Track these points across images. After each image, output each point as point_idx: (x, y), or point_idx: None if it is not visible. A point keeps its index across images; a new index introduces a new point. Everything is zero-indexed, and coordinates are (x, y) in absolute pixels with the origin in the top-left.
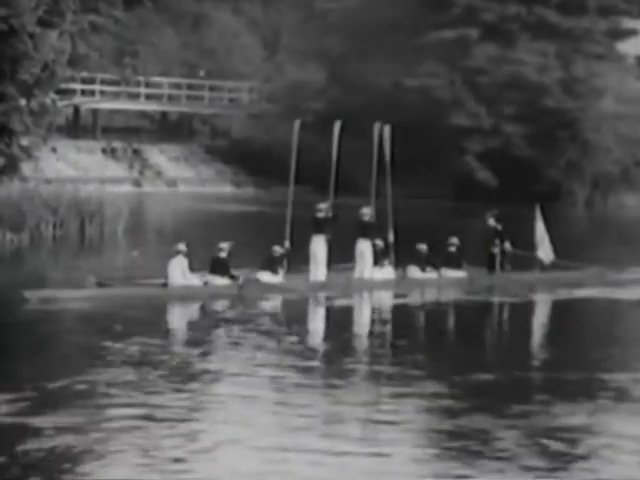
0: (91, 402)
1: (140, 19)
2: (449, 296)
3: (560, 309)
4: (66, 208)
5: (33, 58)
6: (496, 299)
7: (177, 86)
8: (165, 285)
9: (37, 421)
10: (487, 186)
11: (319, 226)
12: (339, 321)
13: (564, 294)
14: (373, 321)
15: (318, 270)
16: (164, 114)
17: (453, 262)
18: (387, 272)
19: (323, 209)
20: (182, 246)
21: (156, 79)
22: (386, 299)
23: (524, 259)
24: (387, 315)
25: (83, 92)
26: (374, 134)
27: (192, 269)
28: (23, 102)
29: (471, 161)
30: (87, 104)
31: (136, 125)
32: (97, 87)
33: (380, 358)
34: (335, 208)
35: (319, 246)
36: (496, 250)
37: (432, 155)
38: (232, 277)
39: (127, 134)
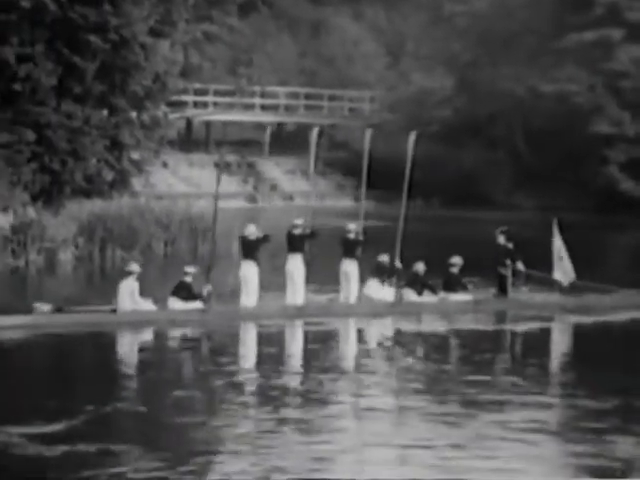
0: None
1: (256, 27)
2: (452, 324)
3: (583, 336)
4: (178, 224)
5: (144, 69)
6: (507, 326)
7: (294, 96)
8: (114, 311)
9: None
10: (632, 198)
11: (348, 248)
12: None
13: (584, 319)
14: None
15: (350, 292)
16: (280, 125)
17: (455, 284)
18: (387, 292)
19: (352, 230)
20: (135, 267)
21: (272, 89)
22: (376, 327)
23: (542, 281)
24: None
25: (195, 104)
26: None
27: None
28: (134, 115)
29: (614, 171)
30: (200, 116)
31: (251, 137)
32: (210, 98)
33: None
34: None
35: (350, 268)
36: (506, 271)
37: (571, 165)
38: (201, 298)
39: (241, 147)
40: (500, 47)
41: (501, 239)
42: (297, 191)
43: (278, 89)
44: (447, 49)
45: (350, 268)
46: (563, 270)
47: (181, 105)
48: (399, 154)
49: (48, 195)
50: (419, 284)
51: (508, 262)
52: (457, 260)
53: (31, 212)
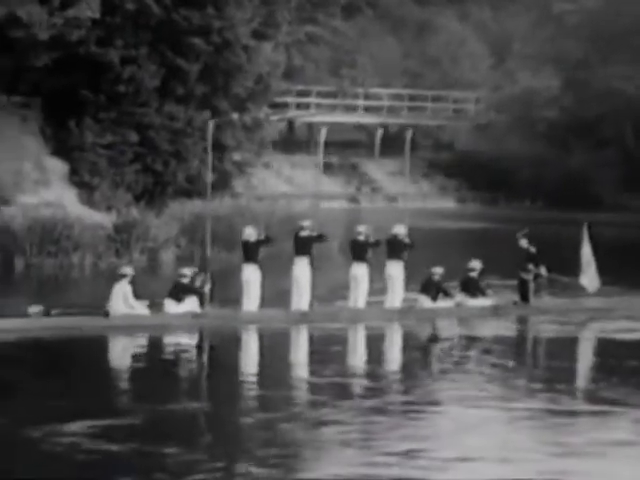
0: None
1: (359, 28)
2: (471, 329)
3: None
4: (278, 225)
5: (247, 71)
6: (530, 334)
7: (398, 97)
8: (107, 314)
9: None
10: None
11: (358, 251)
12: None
13: (609, 328)
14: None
15: (358, 297)
16: (383, 127)
17: (473, 289)
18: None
19: (362, 232)
20: (128, 269)
21: (375, 90)
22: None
23: (566, 286)
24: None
25: (298, 105)
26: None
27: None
28: (236, 116)
29: None
30: (302, 118)
31: (353, 139)
32: (312, 100)
33: None
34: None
35: (359, 271)
36: (528, 276)
37: None
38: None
39: (344, 148)
40: (610, 45)
41: (523, 242)
42: (400, 193)
43: (381, 90)
44: (555, 48)
45: (359, 272)
46: (590, 277)
47: (283, 107)
48: (505, 155)
49: (151, 195)
50: (434, 289)
51: (531, 267)
52: (476, 264)
53: (134, 212)
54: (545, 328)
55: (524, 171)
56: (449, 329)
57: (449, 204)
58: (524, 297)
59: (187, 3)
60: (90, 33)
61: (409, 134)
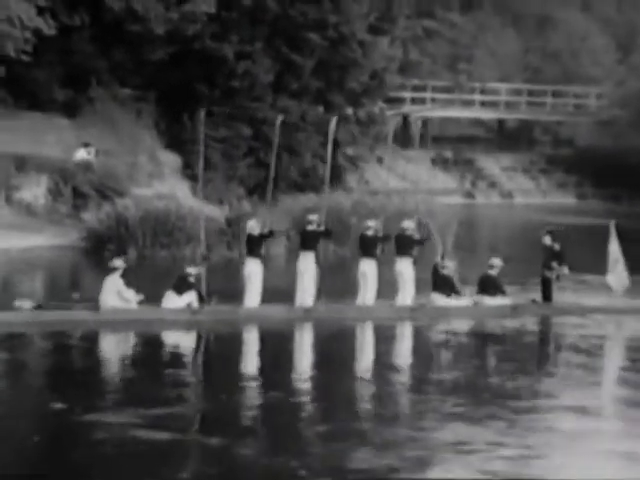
0: None
1: (478, 22)
2: (482, 326)
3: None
4: (391, 219)
5: (362, 66)
6: (551, 335)
7: (516, 92)
8: (97, 309)
9: None
10: None
11: (366, 246)
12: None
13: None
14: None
15: (367, 294)
16: (501, 122)
17: (491, 287)
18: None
19: (371, 227)
20: (119, 262)
21: (493, 85)
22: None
23: (591, 285)
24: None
25: (413, 100)
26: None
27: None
28: (350, 111)
29: None
30: (417, 112)
31: (469, 134)
32: (428, 95)
33: None
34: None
35: (368, 267)
36: (552, 274)
37: None
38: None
39: (459, 143)
40: None
41: (547, 240)
42: (517, 188)
43: (499, 85)
44: None
45: (367, 268)
46: (618, 275)
47: (398, 101)
48: (628, 151)
49: (263, 189)
50: (447, 286)
51: (554, 265)
52: (497, 262)
53: (246, 205)
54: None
55: None
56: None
57: (568, 200)
58: (546, 296)
59: None
60: (206, 28)
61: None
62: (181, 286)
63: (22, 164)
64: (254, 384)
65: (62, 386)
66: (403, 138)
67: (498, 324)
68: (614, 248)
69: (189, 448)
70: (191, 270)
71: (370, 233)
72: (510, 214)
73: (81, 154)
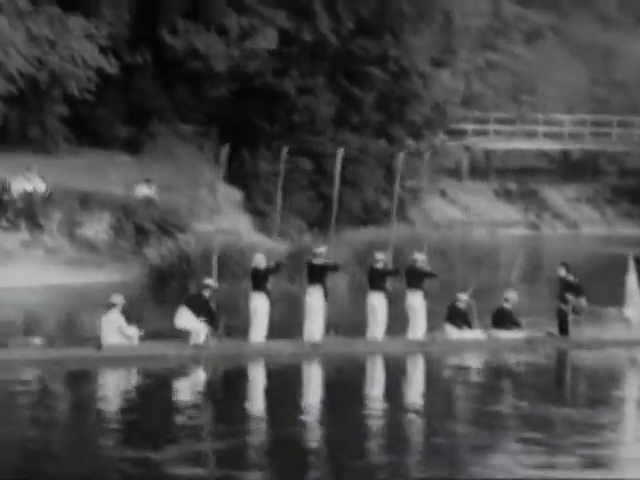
0: None
1: (542, 53)
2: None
3: None
4: (454, 252)
5: (423, 98)
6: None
7: (581, 123)
8: (99, 347)
9: None
10: None
11: (376, 279)
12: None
13: None
14: None
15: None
16: (565, 153)
17: (505, 320)
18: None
19: (380, 259)
20: (118, 298)
21: (557, 116)
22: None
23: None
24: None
25: (475, 132)
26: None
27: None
28: (411, 143)
29: None
30: (479, 144)
31: (533, 165)
32: (491, 126)
33: None
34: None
35: (377, 301)
36: (567, 307)
37: None
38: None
39: (523, 175)
40: None
41: (562, 271)
42: (582, 219)
43: (563, 116)
44: None
45: (376, 301)
46: (635, 309)
47: (460, 133)
48: None
49: (323, 223)
50: (460, 319)
51: (570, 297)
52: (512, 295)
53: (307, 239)
54: None
55: None
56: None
57: (635, 230)
58: (562, 329)
59: (364, 33)
60: (267, 64)
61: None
62: (195, 303)
63: (85, 201)
64: (267, 420)
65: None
66: (465, 170)
67: (513, 357)
68: (631, 280)
69: None
70: (209, 282)
71: (379, 266)
72: (575, 245)
73: (142, 190)
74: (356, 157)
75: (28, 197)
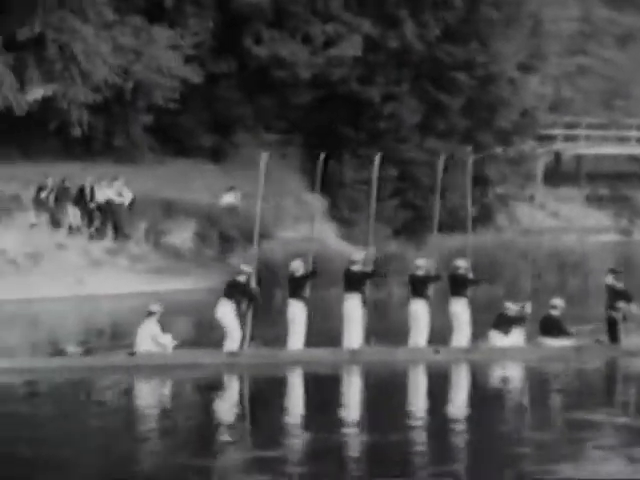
0: None
1: (633, 57)
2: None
3: None
4: (545, 259)
5: (512, 104)
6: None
7: None
8: (133, 354)
9: None
10: None
11: (417, 286)
12: None
13: None
14: None
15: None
16: None
17: (553, 328)
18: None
19: (422, 266)
20: (155, 307)
21: None
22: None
23: None
24: None
25: (566, 137)
26: None
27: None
28: (500, 150)
29: None
30: (570, 150)
31: (625, 170)
32: (581, 132)
33: None
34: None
35: (419, 307)
36: (617, 315)
37: None
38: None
39: (614, 180)
40: None
41: (609, 279)
42: None
43: None
44: None
45: (419, 308)
46: None
47: (550, 139)
48: None
49: (410, 230)
50: (507, 325)
51: (621, 305)
52: (559, 302)
53: (393, 246)
54: None
55: None
56: None
57: None
58: (613, 337)
59: (451, 39)
60: (352, 71)
61: None
62: (232, 288)
63: (170, 209)
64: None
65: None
66: (555, 176)
67: (559, 365)
68: None
69: None
70: (244, 267)
71: (421, 273)
72: None
73: (227, 198)
74: (444, 163)
75: (114, 206)
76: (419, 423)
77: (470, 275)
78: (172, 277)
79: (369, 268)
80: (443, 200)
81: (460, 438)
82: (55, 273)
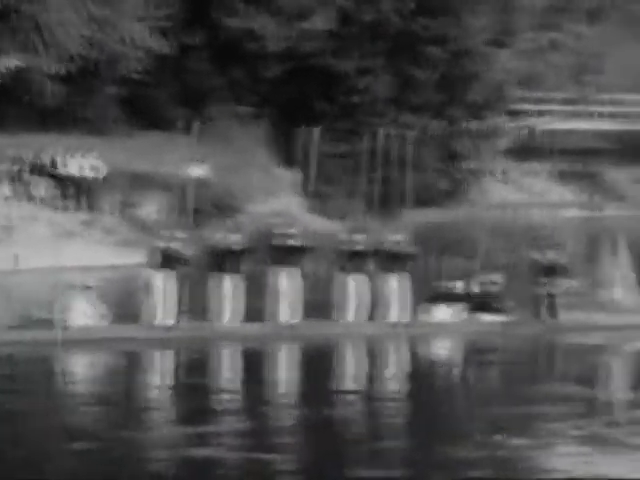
0: None
1: (605, 33)
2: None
3: None
4: (518, 234)
5: (484, 79)
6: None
7: None
8: (65, 328)
9: None
10: None
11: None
12: None
13: None
14: None
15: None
16: (629, 133)
17: (486, 304)
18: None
19: (360, 241)
20: (91, 281)
21: (621, 96)
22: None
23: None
24: None
25: (537, 112)
26: None
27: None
28: (472, 124)
29: None
30: (540, 125)
31: (596, 146)
32: (553, 107)
33: None
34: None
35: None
36: (542, 290)
37: None
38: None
39: (585, 156)
40: None
41: (536, 254)
42: None
43: (626, 97)
44: None
45: (355, 283)
46: (626, 291)
47: (522, 114)
48: None
49: (384, 204)
50: (446, 301)
51: (544, 280)
52: (496, 278)
53: (366, 220)
54: None
55: None
56: None
57: None
58: (537, 313)
59: (425, 12)
60: (326, 44)
61: None
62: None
63: (139, 182)
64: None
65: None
66: (526, 151)
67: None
68: (622, 263)
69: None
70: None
71: (358, 248)
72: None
73: (195, 171)
74: (416, 138)
75: (88, 179)
76: (351, 398)
77: (408, 250)
78: (139, 250)
79: (304, 242)
80: (416, 175)
81: (397, 413)
82: (29, 245)
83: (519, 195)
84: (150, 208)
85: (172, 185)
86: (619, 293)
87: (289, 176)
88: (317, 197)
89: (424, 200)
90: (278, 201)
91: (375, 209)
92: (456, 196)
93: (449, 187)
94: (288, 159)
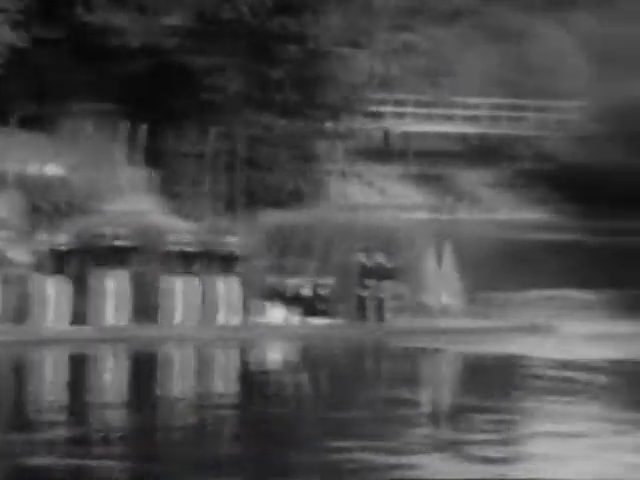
0: None
1: (459, 36)
2: None
3: None
4: (357, 236)
5: (340, 80)
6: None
7: (497, 107)
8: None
9: None
10: None
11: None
12: None
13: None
14: None
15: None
16: (481, 137)
17: (315, 307)
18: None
19: (188, 242)
20: None
21: (474, 100)
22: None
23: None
24: None
25: (394, 114)
26: None
27: None
28: (329, 125)
29: None
30: (397, 127)
31: (450, 149)
32: (409, 109)
33: None
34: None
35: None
36: (365, 292)
37: None
38: None
39: (439, 158)
40: None
41: (361, 257)
42: (497, 203)
43: (480, 100)
44: None
45: (185, 286)
46: (442, 294)
47: (378, 116)
48: (608, 167)
49: (239, 204)
50: (279, 302)
51: (369, 283)
52: (326, 281)
53: (220, 221)
54: None
55: (628, 183)
56: None
57: (549, 216)
58: (363, 315)
59: (284, 11)
60: (183, 41)
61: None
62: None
63: None
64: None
65: None
66: (381, 153)
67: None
68: (448, 267)
69: None
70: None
71: (188, 249)
72: (488, 230)
73: (48, 169)
74: (272, 138)
75: None
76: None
77: (239, 252)
78: None
79: (132, 242)
80: (271, 175)
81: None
82: None
83: (374, 197)
84: None
85: (22, 183)
86: (445, 298)
87: (144, 175)
88: (173, 197)
89: (279, 201)
90: (130, 200)
91: (232, 210)
92: (311, 197)
93: (304, 188)
94: (145, 158)
